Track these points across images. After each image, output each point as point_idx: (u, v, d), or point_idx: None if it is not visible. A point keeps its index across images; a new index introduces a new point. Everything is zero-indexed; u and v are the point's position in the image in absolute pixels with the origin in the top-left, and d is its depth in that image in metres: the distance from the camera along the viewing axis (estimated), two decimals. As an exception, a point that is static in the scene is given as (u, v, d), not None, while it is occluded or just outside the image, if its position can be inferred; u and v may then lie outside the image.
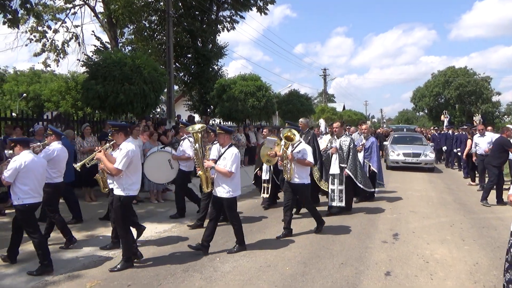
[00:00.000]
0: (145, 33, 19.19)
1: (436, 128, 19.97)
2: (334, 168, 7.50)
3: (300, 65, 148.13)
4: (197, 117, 19.72)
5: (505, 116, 55.33)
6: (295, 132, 5.96)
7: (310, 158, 5.98)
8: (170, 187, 9.53)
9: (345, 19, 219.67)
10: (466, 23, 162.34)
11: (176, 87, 21.11)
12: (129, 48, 19.37)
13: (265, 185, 8.15)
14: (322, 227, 6.29)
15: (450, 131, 17.00)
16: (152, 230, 6.45)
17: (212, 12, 20.55)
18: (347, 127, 19.00)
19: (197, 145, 5.38)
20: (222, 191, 5.16)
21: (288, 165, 5.91)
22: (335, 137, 7.86)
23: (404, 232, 6.36)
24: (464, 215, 7.63)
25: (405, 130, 25.21)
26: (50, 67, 17.17)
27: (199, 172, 5.36)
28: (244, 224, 6.81)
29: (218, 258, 5.11)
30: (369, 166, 8.94)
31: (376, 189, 9.10)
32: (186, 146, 7.13)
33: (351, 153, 7.46)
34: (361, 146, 8.75)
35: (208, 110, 20.36)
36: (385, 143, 18.24)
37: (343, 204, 7.45)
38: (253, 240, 5.92)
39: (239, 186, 5.41)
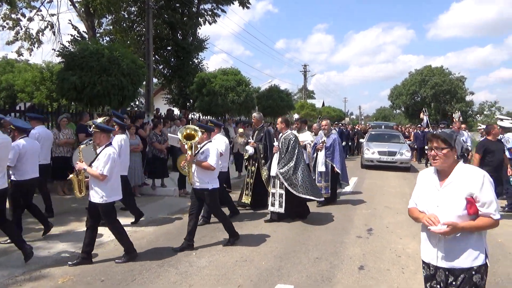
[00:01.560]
0: (124, 24, 18.83)
1: (419, 126, 19.30)
2: (274, 170, 6.75)
3: (281, 61, 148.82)
4: (176, 111, 19.52)
5: (478, 115, 57.05)
6: (197, 128, 5.28)
7: (211, 160, 5.13)
8: (148, 181, 9.44)
9: (326, 16, 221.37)
10: (443, 23, 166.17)
11: (155, 80, 20.81)
12: (107, 39, 18.98)
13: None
14: (235, 240, 5.44)
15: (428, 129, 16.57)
16: (128, 225, 6.37)
17: (193, 5, 20.30)
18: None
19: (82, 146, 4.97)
20: (96, 196, 4.55)
21: (186, 167, 5.27)
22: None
23: (378, 227, 6.51)
24: (436, 211, 7.87)
25: (383, 127, 24.91)
26: (23, 56, 16.64)
27: (70, 176, 4.76)
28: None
29: (194, 253, 5.10)
30: (332, 166, 8.11)
31: (342, 189, 8.79)
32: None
33: (291, 153, 6.59)
34: (321, 144, 8.06)
35: (188, 104, 20.18)
36: (361, 140, 18.14)
37: (282, 210, 6.55)
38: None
39: (117, 191, 4.80)
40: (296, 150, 6.59)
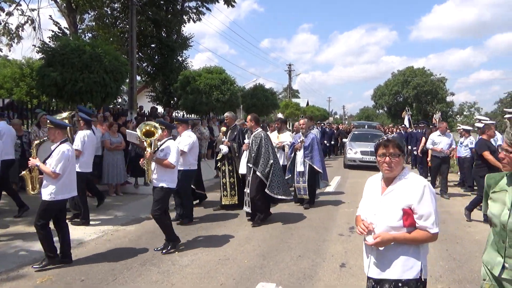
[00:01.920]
0: (107, 21, 18.55)
1: (403, 126, 18.98)
2: (242, 168, 6.84)
3: (266, 60, 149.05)
4: (160, 109, 19.35)
5: (458, 116, 58.34)
6: (157, 125, 5.08)
7: (172, 158, 4.96)
8: (130, 180, 9.34)
9: (311, 16, 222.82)
10: (425, 25, 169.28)
11: (138, 78, 20.58)
12: (89, 35, 18.67)
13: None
14: (175, 245, 5.10)
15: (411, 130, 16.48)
16: (110, 223, 6.31)
17: (178, 2, 20.14)
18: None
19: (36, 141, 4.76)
20: (44, 193, 4.40)
21: (146, 165, 5.02)
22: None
23: (360, 226, 6.58)
24: (416, 209, 8.02)
25: (366, 127, 25.06)
26: (2, 52, 16.20)
27: (23, 172, 4.57)
28: (205, 218, 6.85)
29: (177, 252, 5.07)
30: (311, 166, 7.79)
31: (323, 189, 8.65)
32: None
33: (263, 152, 6.44)
34: (299, 144, 7.82)
35: (172, 102, 20.02)
36: (344, 140, 18.04)
37: (249, 209, 6.54)
38: (213, 233, 5.93)
39: (69, 189, 4.59)
40: (270, 148, 6.58)
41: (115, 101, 16.92)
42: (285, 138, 8.61)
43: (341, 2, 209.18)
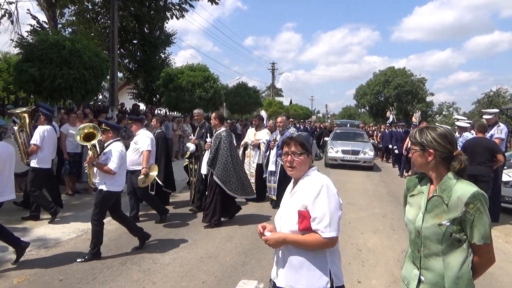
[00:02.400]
0: (88, 16, 18.20)
1: (387, 125, 18.59)
2: (203, 167, 6.63)
3: (250, 58, 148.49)
4: (142, 106, 19.13)
5: (437, 115, 59.59)
6: (96, 126, 4.84)
7: (112, 164, 4.58)
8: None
9: (295, 15, 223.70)
10: (406, 26, 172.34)
11: (120, 74, 20.27)
12: (69, 30, 18.28)
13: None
14: (91, 256, 4.64)
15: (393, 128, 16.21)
16: (89, 222, 6.19)
17: (161, -2, 19.95)
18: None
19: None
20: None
21: (87, 168, 4.81)
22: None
23: (341, 223, 6.64)
24: (395, 206, 8.18)
25: (348, 125, 24.89)
26: (-23, 46, 15.71)
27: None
28: (186, 216, 6.81)
29: (158, 250, 5.04)
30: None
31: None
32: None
33: (220, 153, 6.17)
34: (272, 142, 7.59)
35: (154, 99, 19.82)
36: (326, 138, 17.89)
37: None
38: (195, 232, 5.91)
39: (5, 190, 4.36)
40: (228, 149, 6.18)
41: (95, 98, 16.64)
42: (262, 135, 8.30)
43: (325, 2, 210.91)
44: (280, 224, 2.18)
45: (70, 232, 5.68)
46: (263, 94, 60.65)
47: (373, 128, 23.37)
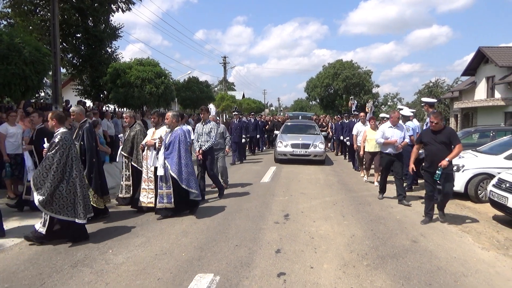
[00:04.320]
0: (25, 7, 17.07)
1: (345, 114, 17.63)
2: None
3: (201, 52, 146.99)
4: (88, 103, 18.35)
5: (383, 106, 62.50)
6: None
7: None
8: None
9: (245, 8, 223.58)
10: (352, 20, 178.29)
11: (63, 70, 19.26)
12: (5, 23, 17.08)
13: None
14: None
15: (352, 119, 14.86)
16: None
17: (105, -10, 19.10)
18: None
19: None
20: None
21: None
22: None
23: (294, 213, 6.89)
24: (345, 194, 8.55)
25: (300, 117, 23.48)
26: None
27: None
28: (140, 214, 6.68)
29: (111, 250, 4.93)
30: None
31: (198, 198, 6.74)
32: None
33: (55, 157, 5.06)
34: (159, 142, 6.58)
35: (102, 95, 19.08)
36: (276, 132, 17.39)
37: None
38: (149, 229, 5.83)
39: None
40: (65, 153, 5.05)
41: (37, 95, 15.73)
42: (161, 133, 6.94)
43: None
44: None
45: (14, 237, 5.39)
46: (216, 89, 60.33)
47: (327, 119, 22.82)
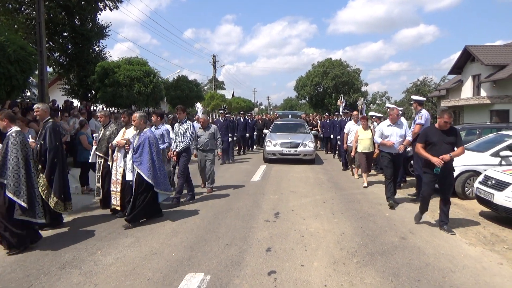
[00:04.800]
0: (10, 6, 16.78)
1: (337, 113, 17.57)
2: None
3: (190, 51, 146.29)
4: (76, 102, 18.12)
5: (371, 104, 63.03)
6: None
7: None
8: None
9: (234, 6, 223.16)
10: (341, 19, 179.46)
11: (50, 69, 18.99)
12: (-12, 22, 16.73)
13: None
14: None
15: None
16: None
17: (91, -12, 18.88)
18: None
19: None
20: None
21: None
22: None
23: (284, 211, 6.90)
24: (335, 192, 8.60)
25: (290, 116, 23.46)
26: None
27: None
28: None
29: (100, 251, 4.87)
30: (139, 174, 6.01)
31: (170, 201, 7.05)
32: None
33: (9, 159, 4.79)
34: (127, 145, 6.18)
35: (89, 95, 18.87)
36: (265, 131, 17.09)
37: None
38: (138, 229, 5.78)
39: None
40: (18, 156, 4.80)
41: (23, 94, 15.49)
42: (130, 134, 6.57)
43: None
44: None
45: None
46: (205, 88, 60.14)
47: (316, 118, 22.43)
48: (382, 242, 5.26)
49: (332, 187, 9.24)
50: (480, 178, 7.01)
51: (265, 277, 4.07)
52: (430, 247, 5.10)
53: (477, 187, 6.85)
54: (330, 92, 56.92)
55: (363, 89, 60.39)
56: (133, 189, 6.05)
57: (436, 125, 5.95)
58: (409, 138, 7.44)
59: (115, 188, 6.44)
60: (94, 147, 7.02)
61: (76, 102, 18.33)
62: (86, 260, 4.56)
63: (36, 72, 12.77)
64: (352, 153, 10.21)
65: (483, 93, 26.34)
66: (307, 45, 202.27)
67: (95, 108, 17.81)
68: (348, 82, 56.95)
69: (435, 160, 5.61)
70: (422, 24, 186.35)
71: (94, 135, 8.34)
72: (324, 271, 4.26)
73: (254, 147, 19.57)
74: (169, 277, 4.09)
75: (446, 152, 5.66)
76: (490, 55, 26.15)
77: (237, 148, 16.75)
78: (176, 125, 7.92)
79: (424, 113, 8.04)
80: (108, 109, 18.21)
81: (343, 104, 21.52)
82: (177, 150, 7.60)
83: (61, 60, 18.70)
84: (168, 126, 8.19)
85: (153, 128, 7.48)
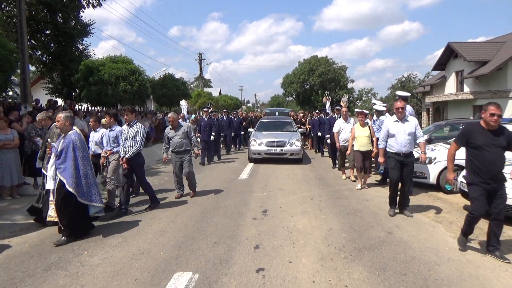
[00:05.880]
0: (-12, 3, 16.40)
1: (323, 109, 17.17)
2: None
3: (176, 49, 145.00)
4: (60, 102, 17.81)
5: (357, 101, 63.52)
6: None
7: None
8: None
9: (221, 4, 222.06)
10: (327, 16, 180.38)
11: (32, 68, 18.63)
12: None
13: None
14: None
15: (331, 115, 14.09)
16: (6, 229, 5.72)
17: (74, -15, 18.54)
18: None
19: None
20: None
21: None
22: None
23: (272, 208, 6.92)
24: (322, 188, 8.66)
25: (277, 113, 22.38)
26: None
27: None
28: (115, 214, 6.56)
29: (86, 251, 4.81)
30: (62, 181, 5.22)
31: (100, 213, 5.69)
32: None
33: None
34: (48, 150, 5.65)
35: (74, 94, 18.57)
36: (250, 129, 16.59)
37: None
38: (125, 229, 5.73)
39: None
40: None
41: (4, 94, 15.16)
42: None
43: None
44: None
45: (-17, 243, 5.18)
46: (192, 86, 59.81)
47: (302, 115, 21.74)
48: (369, 237, 5.32)
49: (320, 183, 9.29)
50: (463, 172, 7.13)
51: (253, 275, 4.08)
52: (416, 241, 5.17)
53: (460, 181, 6.97)
54: (317, 89, 57.24)
55: (349, 85, 60.92)
56: (55, 198, 5.30)
57: (482, 122, 4.66)
58: (424, 137, 6.59)
59: (53, 197, 5.49)
60: (40, 151, 6.31)
61: (60, 101, 18.02)
62: (72, 261, 4.50)
63: (18, 71, 12.51)
64: (348, 151, 9.24)
65: (466, 88, 26.82)
66: (293, 42, 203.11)
67: (79, 107, 17.55)
68: (334, 79, 57.36)
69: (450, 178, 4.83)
70: (406, 21, 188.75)
71: (36, 139, 8.02)
72: (312, 267, 4.29)
73: (242, 146, 18.92)
74: (157, 276, 4.06)
75: (496, 158, 4.51)
76: (472, 52, 26.63)
77: (222, 147, 16.34)
78: (125, 127, 6.91)
79: (409, 109, 8.17)
80: (93, 108, 17.96)
81: (329, 101, 21.46)
82: (126, 156, 6.62)
83: (44, 58, 18.35)
84: (124, 127, 6.95)
85: (107, 130, 7.06)
